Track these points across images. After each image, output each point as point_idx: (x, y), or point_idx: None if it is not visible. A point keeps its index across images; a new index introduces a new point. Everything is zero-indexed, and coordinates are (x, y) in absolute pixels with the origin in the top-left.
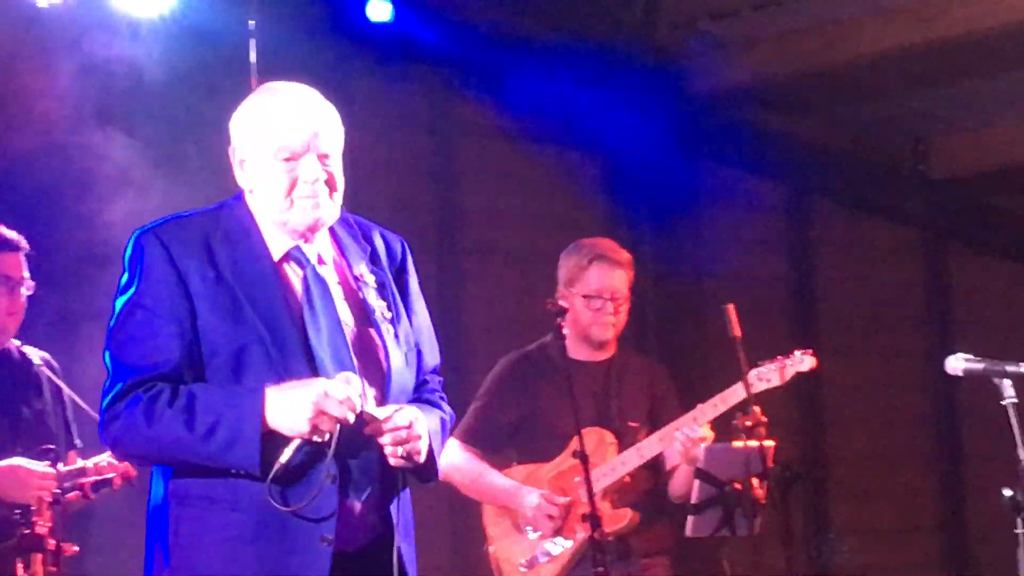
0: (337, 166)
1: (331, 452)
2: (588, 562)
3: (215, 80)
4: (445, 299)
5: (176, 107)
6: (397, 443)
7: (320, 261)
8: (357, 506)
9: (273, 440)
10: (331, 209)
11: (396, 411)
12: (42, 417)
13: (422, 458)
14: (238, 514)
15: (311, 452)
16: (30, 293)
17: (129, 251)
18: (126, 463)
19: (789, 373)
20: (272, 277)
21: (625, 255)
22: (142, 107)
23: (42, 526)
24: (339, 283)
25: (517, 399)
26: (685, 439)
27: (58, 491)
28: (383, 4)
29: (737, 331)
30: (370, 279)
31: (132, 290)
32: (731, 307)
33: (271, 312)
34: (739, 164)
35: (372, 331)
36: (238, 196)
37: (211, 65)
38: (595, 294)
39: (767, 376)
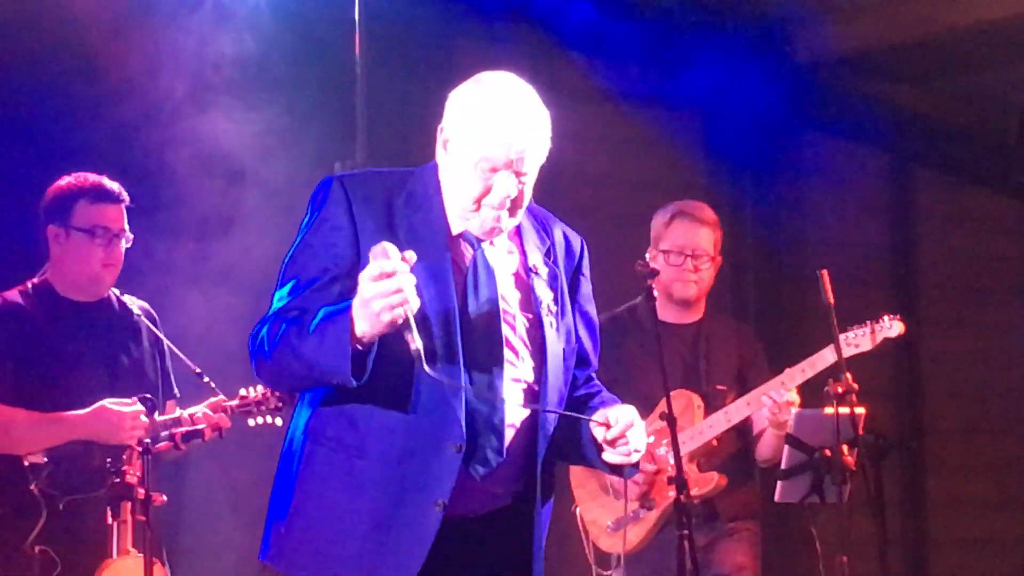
0: (530, 184)
1: (413, 329)
2: (674, 525)
3: (319, 37)
4: None
5: (279, 63)
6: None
7: (492, 243)
8: (480, 478)
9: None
10: (510, 224)
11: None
12: (140, 366)
13: (634, 458)
14: (363, 462)
15: (440, 415)
16: (129, 245)
17: (315, 193)
18: (220, 415)
19: (878, 338)
20: (443, 250)
21: (710, 214)
22: (245, 63)
23: (132, 475)
24: (511, 271)
25: (605, 361)
26: (772, 404)
27: (148, 440)
28: None
29: (830, 297)
30: (543, 271)
31: (305, 231)
32: (824, 273)
33: (434, 280)
34: (842, 131)
35: (534, 320)
36: (432, 165)
37: (315, 21)
38: (676, 250)
39: (856, 341)
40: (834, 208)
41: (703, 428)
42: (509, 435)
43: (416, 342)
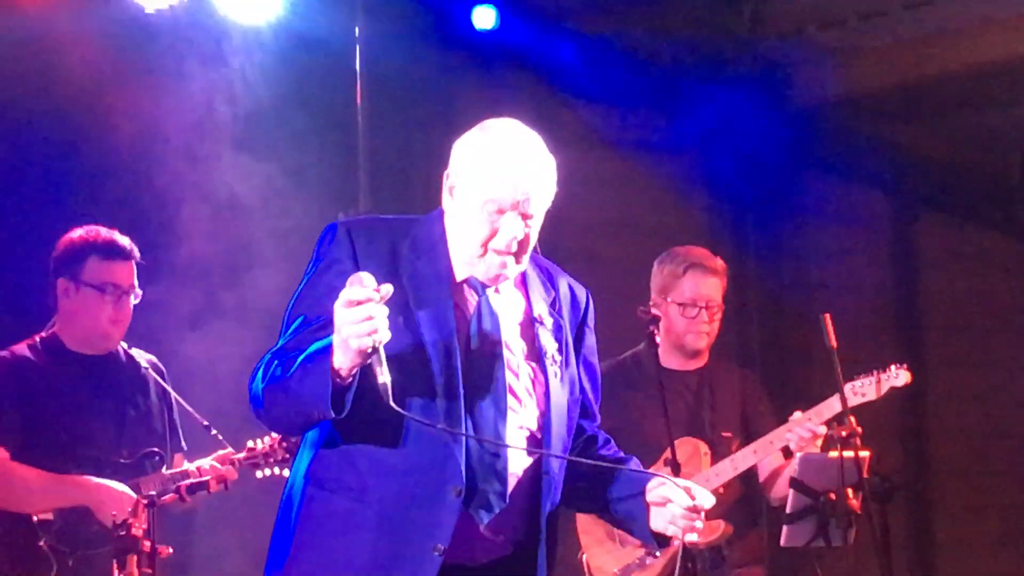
0: (536, 227)
1: (382, 362)
2: (680, 573)
3: (321, 86)
4: None
5: (282, 113)
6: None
7: (497, 291)
8: (483, 525)
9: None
10: (516, 270)
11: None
12: (148, 419)
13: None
14: (362, 505)
15: (441, 460)
16: (138, 301)
17: (320, 237)
18: (227, 468)
19: (884, 387)
20: (447, 295)
21: (719, 263)
22: (248, 113)
23: (137, 528)
24: (516, 319)
25: (610, 409)
26: (811, 435)
27: (153, 493)
28: (488, 11)
29: (833, 341)
30: (547, 320)
31: (309, 275)
32: (827, 317)
33: (437, 326)
34: (844, 173)
35: (538, 369)
36: (438, 212)
37: (317, 71)
38: (690, 302)
39: (862, 390)
40: (836, 250)
41: (710, 475)
42: (512, 482)
43: (384, 376)
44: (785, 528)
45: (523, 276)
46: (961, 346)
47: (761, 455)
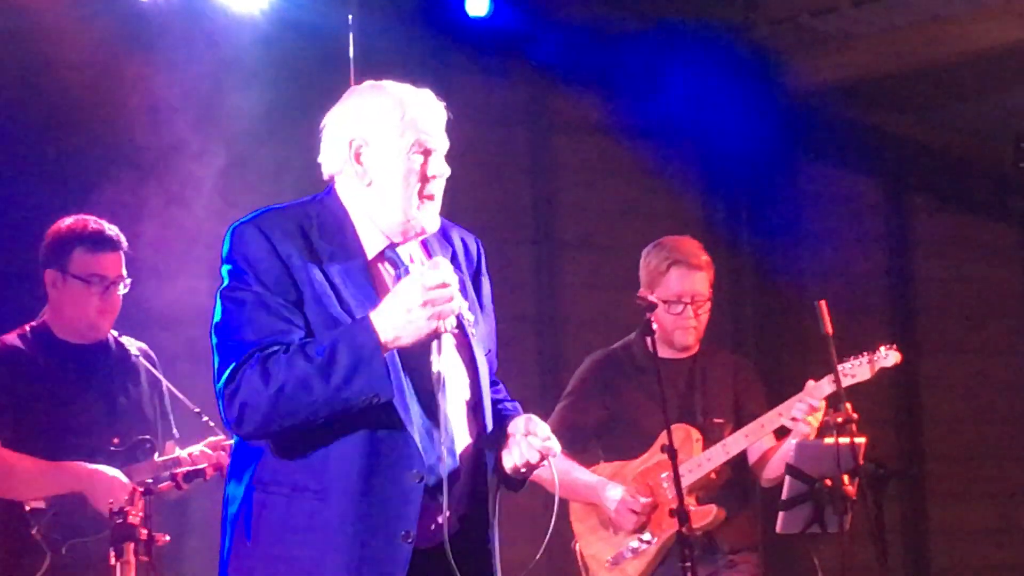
0: None
1: (442, 342)
2: (674, 558)
3: (314, 74)
4: (542, 293)
5: (275, 101)
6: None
7: (411, 261)
8: (442, 506)
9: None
10: (437, 212)
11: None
12: (139, 407)
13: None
14: (323, 505)
15: (397, 445)
16: (126, 291)
17: (228, 244)
18: (219, 454)
19: (875, 368)
20: (364, 275)
21: (704, 257)
22: (241, 101)
23: (135, 516)
24: None
25: (602, 398)
26: (808, 408)
27: (150, 481)
28: None
29: (828, 328)
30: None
31: (237, 281)
32: (823, 303)
33: (361, 311)
34: (838, 161)
35: (460, 333)
36: (329, 191)
37: (310, 59)
38: (675, 299)
39: (853, 372)
40: (831, 237)
41: (701, 461)
42: (459, 457)
43: (439, 363)
44: (781, 515)
45: (424, 240)
46: (955, 333)
47: (752, 439)
